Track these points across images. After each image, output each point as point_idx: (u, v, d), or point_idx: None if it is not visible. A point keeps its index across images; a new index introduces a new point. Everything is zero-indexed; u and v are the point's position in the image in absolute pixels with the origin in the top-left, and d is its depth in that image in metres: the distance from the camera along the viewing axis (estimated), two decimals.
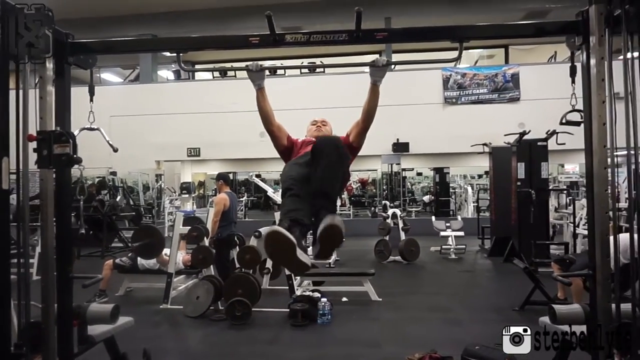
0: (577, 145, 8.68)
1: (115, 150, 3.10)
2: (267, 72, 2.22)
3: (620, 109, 1.96)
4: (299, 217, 1.83)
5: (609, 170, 1.95)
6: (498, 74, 9.94)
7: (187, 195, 12.67)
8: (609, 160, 1.93)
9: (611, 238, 4.35)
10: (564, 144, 7.11)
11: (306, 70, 11.16)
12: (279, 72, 11.70)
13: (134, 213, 10.31)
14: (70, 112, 2.35)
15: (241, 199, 15.90)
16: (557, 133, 6.90)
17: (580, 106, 2.33)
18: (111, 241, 9.44)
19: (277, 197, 9.04)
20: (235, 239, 5.79)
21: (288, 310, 4.58)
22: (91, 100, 2.87)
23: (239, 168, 14.70)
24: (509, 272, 6.84)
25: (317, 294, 4.72)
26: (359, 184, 16.05)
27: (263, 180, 15.09)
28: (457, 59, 2.28)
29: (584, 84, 2.11)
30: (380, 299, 5.22)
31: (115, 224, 9.81)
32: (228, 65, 12.56)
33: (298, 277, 5.32)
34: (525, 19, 10.42)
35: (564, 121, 2.80)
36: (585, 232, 7.12)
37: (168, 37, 2.29)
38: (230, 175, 17.69)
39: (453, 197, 14.58)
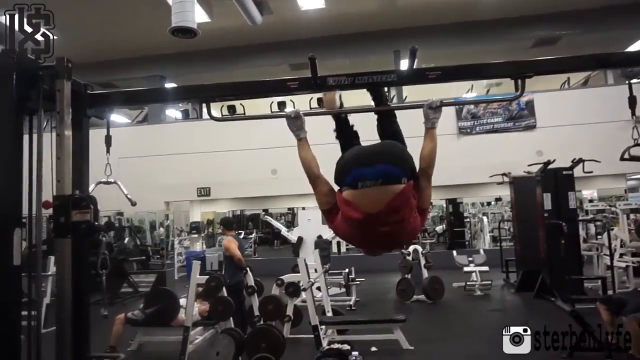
0: (602, 172, 8.26)
1: (134, 204, 2.86)
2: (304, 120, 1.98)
3: None
4: None
5: None
6: (512, 102, 9.79)
7: (196, 235, 12.40)
8: None
9: None
10: (591, 172, 6.87)
11: (315, 105, 11.05)
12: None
13: (143, 257, 9.99)
14: (89, 169, 2.13)
15: (250, 236, 15.58)
16: (584, 161, 6.69)
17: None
18: (120, 287, 9.10)
19: (290, 236, 8.75)
20: (253, 285, 5.48)
21: None
22: (108, 151, 2.65)
23: (248, 206, 14.44)
24: (542, 310, 6.45)
25: (346, 346, 4.34)
26: None
27: (271, 215, 14.86)
28: (517, 97, 2.06)
29: None
30: (412, 347, 4.84)
31: (124, 268, 9.51)
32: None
33: (324, 327, 4.96)
34: (535, 47, 10.37)
35: (626, 156, 2.56)
36: (623, 265, 6.79)
37: (195, 84, 2.08)
38: (238, 211, 17.57)
39: (468, 227, 14.19)
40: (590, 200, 12.74)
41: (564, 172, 6.83)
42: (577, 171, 6.80)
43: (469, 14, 9.64)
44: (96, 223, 1.72)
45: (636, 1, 8.61)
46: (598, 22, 9.44)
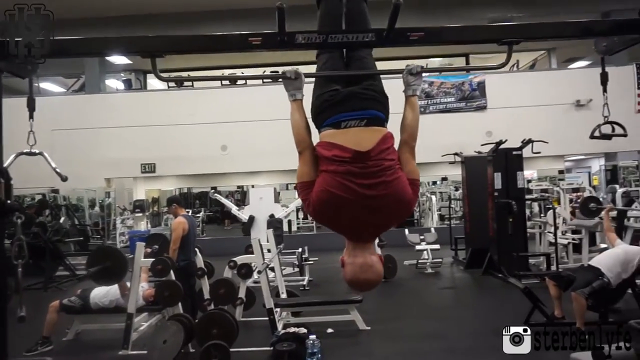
0: (545, 152, 8.51)
1: (64, 179, 2.47)
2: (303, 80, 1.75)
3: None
4: None
5: None
6: (465, 83, 9.88)
7: (140, 214, 11.74)
8: None
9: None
10: (539, 152, 7.04)
11: (268, 80, 10.61)
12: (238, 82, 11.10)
13: (81, 238, 9.29)
14: (2, 135, 1.75)
15: (197, 215, 15.01)
16: (533, 142, 6.86)
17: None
18: (55, 270, 8.42)
19: (241, 215, 8.43)
20: (203, 267, 5.17)
21: (271, 349, 4.05)
22: (31, 117, 2.25)
23: (196, 183, 13.85)
24: (491, 286, 6.64)
25: (303, 330, 4.21)
26: None
27: (220, 193, 14.35)
28: (504, 65, 1.92)
29: None
30: (369, 328, 4.79)
31: (60, 250, 8.80)
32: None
33: (278, 309, 4.78)
34: None
35: (597, 134, 2.51)
36: (565, 242, 7.11)
37: (139, 35, 1.74)
38: (185, 189, 16.86)
39: (417, 205, 14.47)
40: (529, 181, 13.36)
41: (514, 152, 6.98)
42: (524, 151, 6.98)
43: None
44: (9, 201, 1.37)
45: None
46: (547, 6, 9.66)
